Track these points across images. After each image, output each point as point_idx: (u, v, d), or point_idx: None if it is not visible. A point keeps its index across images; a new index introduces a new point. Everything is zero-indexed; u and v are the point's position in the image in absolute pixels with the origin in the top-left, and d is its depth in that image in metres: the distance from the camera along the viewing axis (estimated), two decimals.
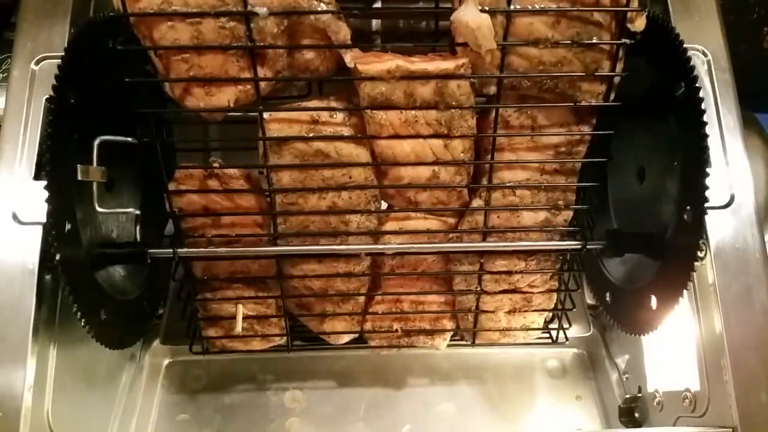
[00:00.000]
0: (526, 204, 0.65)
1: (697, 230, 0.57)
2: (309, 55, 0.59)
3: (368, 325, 0.74)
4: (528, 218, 0.66)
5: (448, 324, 0.75)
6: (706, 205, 0.58)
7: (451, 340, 0.77)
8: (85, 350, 0.66)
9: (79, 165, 0.57)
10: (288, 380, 0.82)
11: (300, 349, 0.79)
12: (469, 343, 0.77)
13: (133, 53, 0.58)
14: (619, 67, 0.59)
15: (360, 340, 0.76)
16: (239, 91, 0.59)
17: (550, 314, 0.77)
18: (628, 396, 0.76)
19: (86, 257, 0.59)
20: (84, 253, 0.59)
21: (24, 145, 0.61)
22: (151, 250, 0.64)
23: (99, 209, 0.60)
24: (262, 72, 0.58)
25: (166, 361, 0.84)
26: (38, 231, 0.58)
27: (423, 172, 0.63)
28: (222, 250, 0.65)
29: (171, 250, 0.64)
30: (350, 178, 0.63)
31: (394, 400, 0.81)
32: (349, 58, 0.59)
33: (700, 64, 0.65)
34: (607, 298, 0.73)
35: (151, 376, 0.81)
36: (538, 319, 0.75)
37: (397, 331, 0.73)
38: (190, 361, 0.83)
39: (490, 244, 0.67)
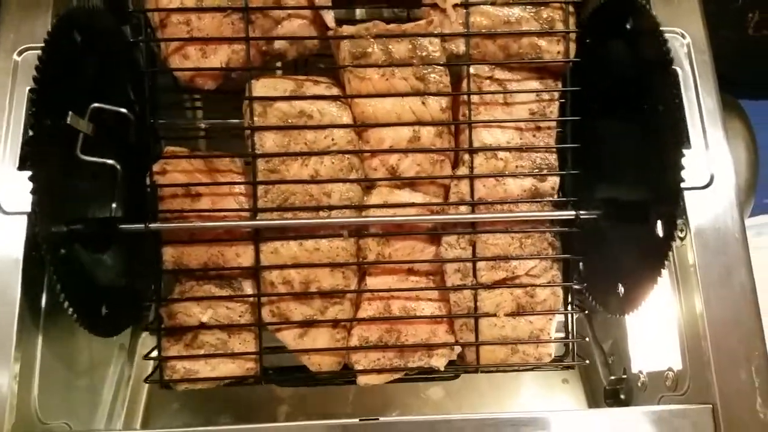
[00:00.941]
0: (510, 169, 0.66)
1: (674, 206, 0.57)
2: (295, 24, 0.66)
3: (354, 340, 0.66)
4: (514, 186, 0.67)
5: (446, 337, 0.68)
6: (684, 185, 0.59)
7: (452, 365, 0.69)
8: (73, 340, 0.67)
9: (70, 112, 0.57)
10: None
11: (274, 382, 0.70)
12: (472, 369, 0.68)
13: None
14: (572, 25, 0.67)
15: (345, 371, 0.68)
16: (232, 52, 0.65)
17: (563, 347, 0.72)
18: (613, 377, 0.77)
19: (68, 236, 0.58)
20: (66, 234, 0.58)
21: (7, 136, 0.61)
22: (123, 225, 0.62)
23: (81, 156, 0.59)
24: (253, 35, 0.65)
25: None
26: (23, 221, 0.59)
27: (404, 134, 0.65)
28: (196, 224, 0.64)
29: (143, 225, 0.62)
30: (333, 140, 0.64)
31: (382, 386, 0.81)
32: (330, 18, 0.65)
33: (679, 46, 0.66)
34: (590, 279, 0.73)
35: (141, 365, 0.82)
36: (548, 327, 0.69)
37: (386, 345, 0.66)
38: None
39: (480, 216, 0.66)
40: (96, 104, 0.61)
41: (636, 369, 0.73)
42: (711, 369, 0.59)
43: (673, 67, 0.64)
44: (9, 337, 0.57)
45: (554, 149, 0.68)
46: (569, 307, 0.71)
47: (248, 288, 0.67)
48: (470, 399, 0.81)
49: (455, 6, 0.65)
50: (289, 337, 0.66)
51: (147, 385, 0.81)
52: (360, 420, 0.58)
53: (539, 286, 0.68)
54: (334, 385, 0.68)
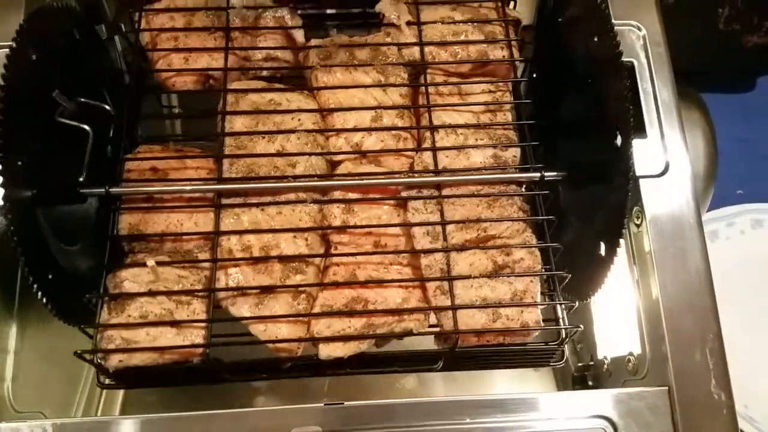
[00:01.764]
0: (471, 142, 0.68)
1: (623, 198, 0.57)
2: (270, 42, 0.73)
3: (317, 310, 0.61)
4: (477, 155, 0.68)
5: (418, 305, 0.62)
6: (639, 173, 0.62)
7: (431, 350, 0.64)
8: (47, 331, 0.68)
9: (57, 90, 0.60)
10: None
11: (226, 371, 0.62)
12: (448, 346, 0.61)
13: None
14: (513, 35, 0.73)
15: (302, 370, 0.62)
16: (212, 60, 0.71)
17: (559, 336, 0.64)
18: (580, 364, 0.79)
19: (32, 199, 0.58)
20: (31, 198, 0.57)
21: None
22: (84, 189, 0.61)
23: (58, 119, 0.61)
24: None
25: None
26: None
27: (367, 116, 0.68)
28: (157, 188, 0.63)
29: (103, 189, 0.61)
30: (299, 121, 0.67)
31: (356, 376, 0.83)
32: (300, 34, 0.73)
33: (635, 39, 0.68)
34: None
35: None
36: (531, 289, 0.62)
37: (353, 312, 0.60)
38: None
39: (446, 178, 0.66)
40: (81, 99, 0.63)
41: (601, 355, 0.74)
42: (667, 352, 0.60)
43: (628, 59, 0.67)
44: None
45: (512, 126, 0.71)
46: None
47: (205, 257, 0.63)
48: (443, 387, 0.83)
49: (408, 23, 0.72)
50: (243, 308, 0.60)
51: None
52: (325, 404, 0.59)
53: (515, 246, 0.64)
54: (292, 377, 0.63)
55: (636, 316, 0.65)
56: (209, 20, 0.71)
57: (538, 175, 0.65)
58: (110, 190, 0.62)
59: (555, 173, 0.66)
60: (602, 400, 0.60)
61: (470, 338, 0.61)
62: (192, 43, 0.70)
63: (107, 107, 0.67)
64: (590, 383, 0.78)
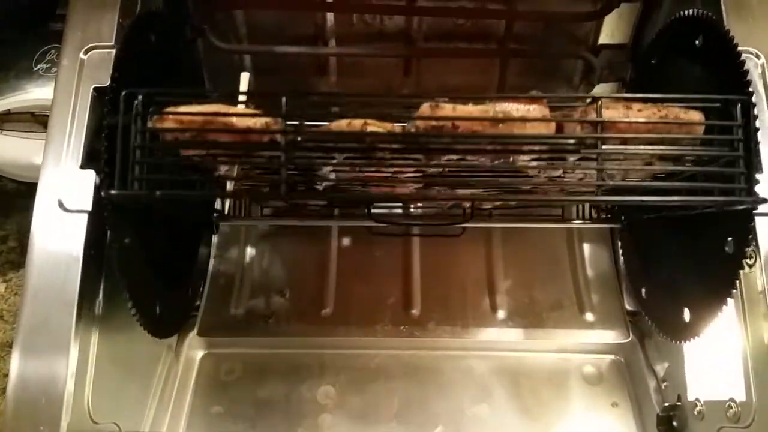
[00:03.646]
0: None
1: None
2: None
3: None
4: None
5: None
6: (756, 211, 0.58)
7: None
8: (124, 339, 0.67)
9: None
10: (321, 376, 0.82)
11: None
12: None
13: None
14: None
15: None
16: None
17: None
18: (667, 404, 0.75)
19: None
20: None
21: (71, 134, 0.62)
22: None
23: None
24: None
25: (201, 353, 0.84)
26: (83, 219, 0.59)
27: None
28: None
29: None
30: None
31: (426, 400, 0.80)
32: None
33: (753, 67, 0.64)
34: (651, 301, 0.72)
35: (186, 367, 0.82)
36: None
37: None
38: (224, 354, 0.83)
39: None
40: None
41: (692, 397, 0.70)
42: None
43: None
44: (68, 333, 0.57)
45: None
46: None
47: None
48: (516, 418, 0.79)
49: None
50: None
51: (192, 388, 0.81)
52: None
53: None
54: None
55: (741, 360, 0.61)
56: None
57: None
58: None
59: None
60: None
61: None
62: None
63: None
64: (675, 424, 0.74)
